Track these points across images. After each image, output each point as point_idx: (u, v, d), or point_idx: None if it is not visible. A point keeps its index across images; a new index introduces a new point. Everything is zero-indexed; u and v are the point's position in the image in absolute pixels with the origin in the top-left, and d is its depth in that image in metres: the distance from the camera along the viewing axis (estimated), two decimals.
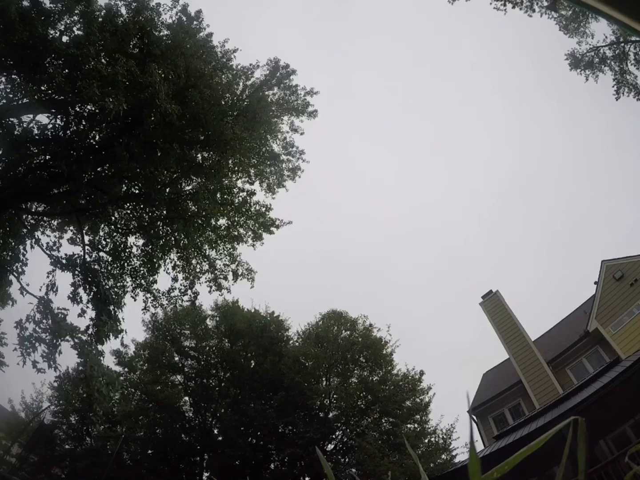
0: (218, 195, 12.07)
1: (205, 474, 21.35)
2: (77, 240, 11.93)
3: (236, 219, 12.49)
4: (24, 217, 11.18)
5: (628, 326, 14.21)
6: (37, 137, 10.15)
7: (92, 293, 10.85)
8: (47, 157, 10.32)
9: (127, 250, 12.14)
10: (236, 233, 12.55)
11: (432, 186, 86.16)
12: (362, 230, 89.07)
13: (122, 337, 11.35)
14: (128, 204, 11.96)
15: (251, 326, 22.82)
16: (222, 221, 12.54)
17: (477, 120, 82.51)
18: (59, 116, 10.22)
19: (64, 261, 10.99)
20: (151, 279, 12.16)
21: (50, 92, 9.52)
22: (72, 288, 10.95)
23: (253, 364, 23.01)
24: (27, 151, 10.28)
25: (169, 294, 12.36)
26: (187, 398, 23.34)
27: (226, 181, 12.28)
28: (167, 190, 11.61)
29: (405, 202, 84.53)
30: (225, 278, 12.71)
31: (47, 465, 22.03)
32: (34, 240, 11.06)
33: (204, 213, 11.87)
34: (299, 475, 19.88)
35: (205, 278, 12.63)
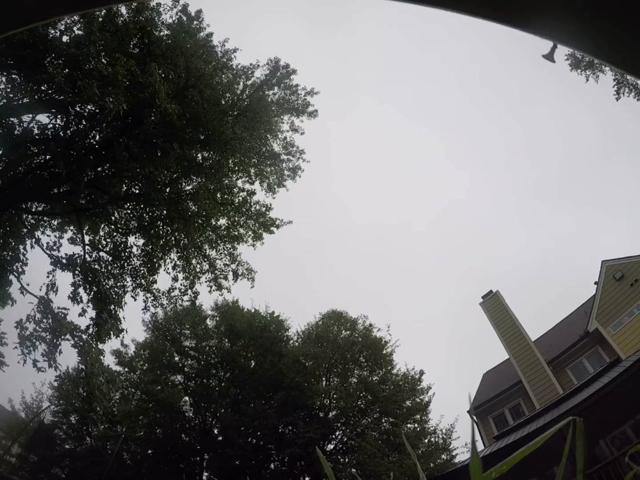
0: (218, 195, 12.09)
1: (205, 474, 21.37)
2: (77, 240, 11.93)
3: (236, 218, 12.51)
4: (24, 217, 11.18)
5: (628, 326, 14.21)
6: (37, 137, 10.15)
7: (92, 293, 10.85)
8: (47, 157, 10.32)
9: (127, 250, 12.15)
10: (236, 233, 12.57)
11: (433, 186, 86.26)
12: (362, 229, 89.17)
13: (123, 337, 11.39)
14: (128, 204, 11.97)
15: (251, 326, 22.83)
16: (222, 221, 12.58)
17: (477, 121, 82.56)
18: (59, 116, 10.22)
19: (64, 261, 11.00)
20: (151, 278, 12.18)
21: (50, 92, 9.52)
22: (72, 288, 10.96)
23: (253, 364, 23.03)
24: (27, 151, 10.29)
25: (169, 293, 12.40)
26: (187, 398, 23.37)
27: (226, 181, 12.30)
28: (167, 190, 11.61)
29: (406, 201, 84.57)
30: (226, 278, 12.74)
31: (47, 465, 22.03)
32: (34, 240, 11.06)
33: (204, 213, 11.88)
34: (299, 475, 19.89)
35: (206, 278, 12.67)
